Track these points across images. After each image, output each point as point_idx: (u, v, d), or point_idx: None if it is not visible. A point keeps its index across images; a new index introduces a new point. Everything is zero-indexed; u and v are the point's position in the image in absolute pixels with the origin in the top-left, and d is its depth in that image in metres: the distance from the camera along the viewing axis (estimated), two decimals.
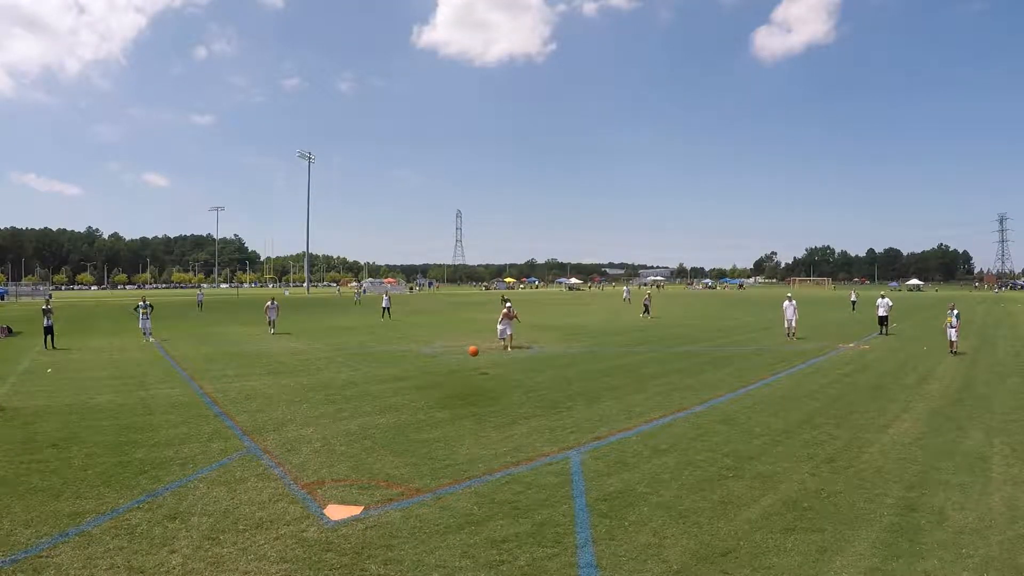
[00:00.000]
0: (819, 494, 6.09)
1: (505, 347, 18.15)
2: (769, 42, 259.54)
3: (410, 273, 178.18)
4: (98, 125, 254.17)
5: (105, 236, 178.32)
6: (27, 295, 71.79)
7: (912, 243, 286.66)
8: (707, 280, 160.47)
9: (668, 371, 14.10)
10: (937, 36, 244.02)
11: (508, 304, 19.30)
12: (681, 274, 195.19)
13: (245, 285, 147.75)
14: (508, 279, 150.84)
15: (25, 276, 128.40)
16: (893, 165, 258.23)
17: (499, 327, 18.52)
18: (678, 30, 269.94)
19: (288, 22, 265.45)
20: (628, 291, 59.11)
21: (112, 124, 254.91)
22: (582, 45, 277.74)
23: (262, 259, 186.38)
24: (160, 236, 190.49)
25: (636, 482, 6.46)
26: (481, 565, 4.66)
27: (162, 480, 6.51)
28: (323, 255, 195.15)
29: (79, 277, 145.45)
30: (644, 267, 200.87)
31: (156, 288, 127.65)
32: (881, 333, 22.57)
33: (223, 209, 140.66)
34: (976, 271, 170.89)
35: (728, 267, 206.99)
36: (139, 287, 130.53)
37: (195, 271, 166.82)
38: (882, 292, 28.20)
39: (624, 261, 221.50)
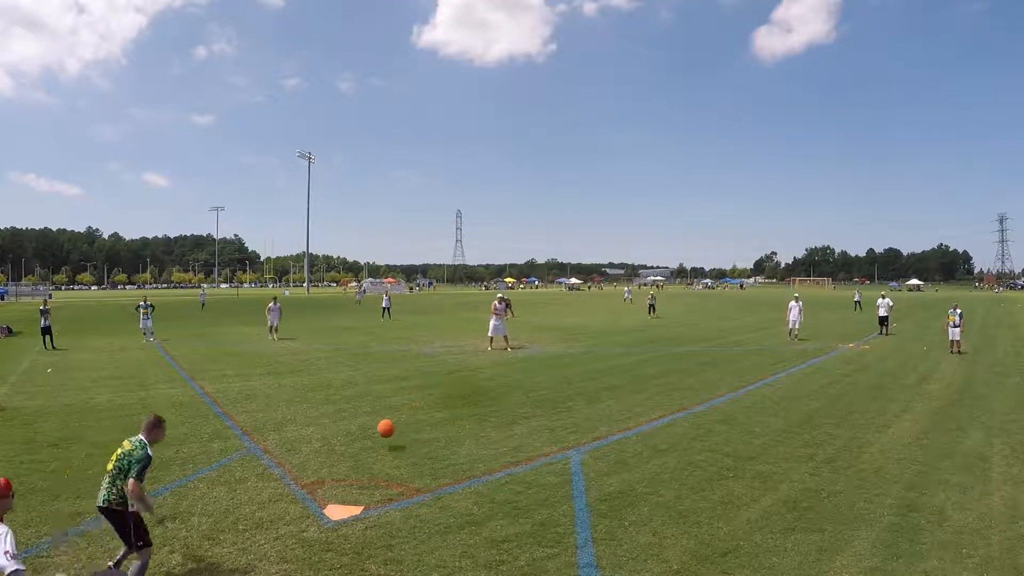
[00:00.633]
0: (819, 494, 6.09)
1: (506, 347, 18.15)
2: (769, 42, 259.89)
3: (410, 273, 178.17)
4: (98, 125, 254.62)
5: (105, 236, 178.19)
6: (27, 295, 71.67)
7: (912, 243, 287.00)
8: (707, 280, 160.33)
9: (668, 371, 14.10)
10: (937, 36, 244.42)
11: (499, 297, 19.19)
12: (681, 274, 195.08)
13: (245, 285, 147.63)
14: (508, 279, 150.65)
15: (25, 276, 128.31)
16: (893, 165, 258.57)
17: (492, 323, 18.44)
18: (678, 30, 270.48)
19: (288, 22, 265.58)
20: (629, 291, 59.11)
21: (112, 124, 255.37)
22: (582, 45, 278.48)
23: (262, 259, 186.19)
24: (160, 236, 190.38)
25: (636, 482, 6.46)
26: (481, 565, 4.66)
27: (162, 480, 6.51)
28: (323, 255, 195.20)
29: (79, 277, 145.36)
30: (644, 267, 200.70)
31: (156, 288, 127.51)
32: (881, 333, 22.57)
33: (223, 209, 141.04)
34: (976, 271, 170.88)
35: (728, 267, 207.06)
36: (139, 287, 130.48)
37: (195, 271, 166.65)
38: (882, 292, 28.20)
39: (624, 261, 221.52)
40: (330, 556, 4.79)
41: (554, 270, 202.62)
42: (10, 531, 3.30)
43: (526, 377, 13.32)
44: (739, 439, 8.13)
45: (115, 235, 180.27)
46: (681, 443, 7.95)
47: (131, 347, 19.58)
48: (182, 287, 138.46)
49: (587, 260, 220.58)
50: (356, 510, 5.71)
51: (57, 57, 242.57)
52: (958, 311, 17.50)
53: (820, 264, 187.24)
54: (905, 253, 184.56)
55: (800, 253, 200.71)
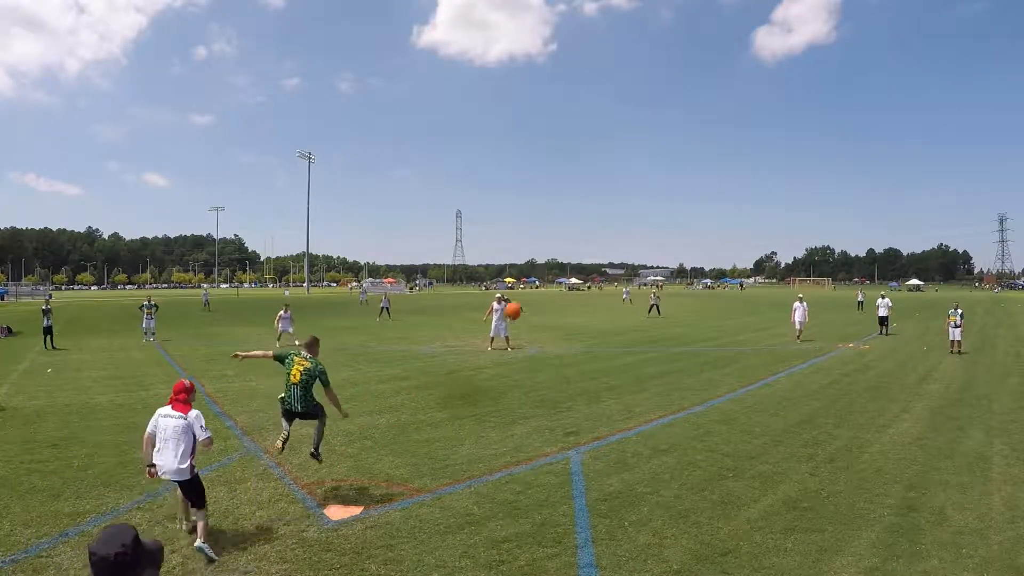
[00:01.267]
0: (819, 494, 6.09)
1: (506, 347, 18.15)
2: (769, 42, 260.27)
3: (410, 273, 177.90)
4: (98, 125, 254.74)
5: (105, 236, 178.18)
6: (27, 295, 71.59)
7: (912, 243, 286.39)
8: (707, 280, 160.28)
9: (668, 371, 14.09)
10: (938, 36, 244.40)
11: (498, 296, 19.14)
12: (681, 274, 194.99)
13: (245, 285, 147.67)
14: (508, 279, 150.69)
15: (25, 276, 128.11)
16: (893, 165, 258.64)
17: (493, 323, 18.41)
18: (678, 30, 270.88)
19: (288, 22, 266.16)
20: (628, 292, 59.08)
21: (112, 124, 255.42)
22: (582, 45, 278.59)
23: (262, 259, 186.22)
24: (160, 236, 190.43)
25: (636, 482, 6.46)
26: (481, 565, 4.66)
27: (162, 479, 6.49)
28: (323, 255, 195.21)
29: (79, 277, 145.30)
30: (644, 267, 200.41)
31: (157, 288, 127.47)
32: (881, 333, 22.56)
33: (223, 209, 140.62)
34: (976, 271, 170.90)
35: (728, 267, 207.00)
36: (139, 287, 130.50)
37: (195, 271, 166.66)
38: (882, 292, 28.20)
39: (624, 261, 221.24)
40: (330, 556, 4.79)
41: (554, 270, 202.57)
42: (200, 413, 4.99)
43: (526, 377, 13.31)
44: (739, 439, 8.13)
45: (115, 235, 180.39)
46: (681, 443, 7.95)
47: (131, 347, 19.57)
48: (182, 287, 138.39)
49: (587, 260, 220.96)
50: (356, 510, 5.71)
51: (57, 57, 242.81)
52: (959, 311, 17.49)
53: (820, 264, 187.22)
54: (905, 253, 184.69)
55: (800, 253, 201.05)
